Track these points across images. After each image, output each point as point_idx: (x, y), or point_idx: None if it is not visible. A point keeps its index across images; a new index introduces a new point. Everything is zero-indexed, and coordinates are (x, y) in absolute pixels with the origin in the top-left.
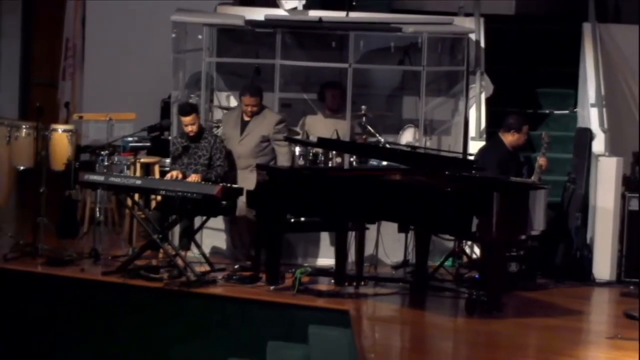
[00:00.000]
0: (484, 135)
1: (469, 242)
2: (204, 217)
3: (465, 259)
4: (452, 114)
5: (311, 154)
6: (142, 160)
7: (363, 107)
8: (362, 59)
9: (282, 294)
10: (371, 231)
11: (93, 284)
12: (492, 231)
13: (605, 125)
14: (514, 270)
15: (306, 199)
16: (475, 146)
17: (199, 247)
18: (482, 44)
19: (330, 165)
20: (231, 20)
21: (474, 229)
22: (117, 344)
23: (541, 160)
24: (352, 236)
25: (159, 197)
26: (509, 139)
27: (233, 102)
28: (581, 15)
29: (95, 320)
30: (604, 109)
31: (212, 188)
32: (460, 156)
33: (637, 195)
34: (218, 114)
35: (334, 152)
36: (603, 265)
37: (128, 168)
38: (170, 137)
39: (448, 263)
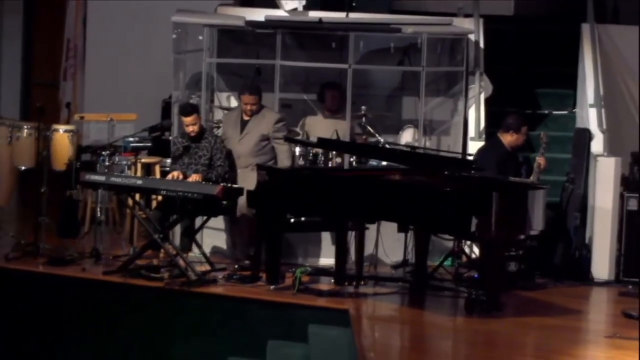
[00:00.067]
0: (483, 136)
1: (468, 242)
2: (205, 217)
3: (464, 258)
4: (452, 114)
5: (311, 154)
6: (143, 160)
7: (363, 107)
8: (361, 60)
9: (283, 294)
10: (371, 231)
11: (94, 284)
12: (491, 231)
13: (604, 126)
14: (513, 270)
15: (306, 199)
16: (474, 146)
17: (199, 246)
18: (482, 45)
19: (330, 165)
20: (232, 21)
21: (473, 228)
22: (118, 343)
23: (540, 160)
24: (352, 236)
25: (159, 197)
26: (507, 139)
27: (233, 103)
28: (580, 16)
29: (96, 320)
30: (603, 110)
31: (212, 188)
32: (460, 156)
33: (636, 195)
34: (218, 115)
35: (333, 152)
36: (602, 264)
37: (129, 168)
38: (171, 137)
39: (447, 263)
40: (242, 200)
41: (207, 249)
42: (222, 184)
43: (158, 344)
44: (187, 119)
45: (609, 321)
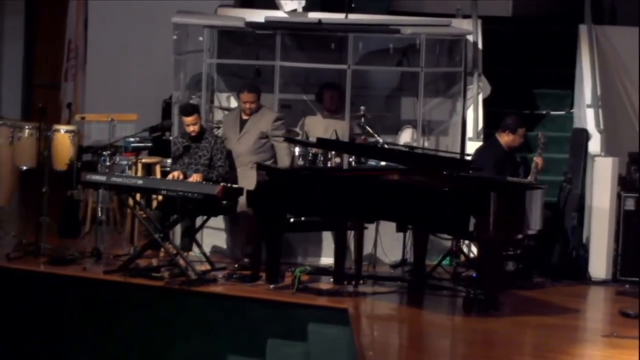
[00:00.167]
0: (481, 136)
1: (467, 242)
2: (205, 217)
3: (462, 258)
4: (450, 115)
5: (310, 154)
6: (143, 160)
7: (362, 107)
8: (361, 61)
9: (282, 293)
10: (370, 230)
11: (95, 283)
12: (489, 230)
13: (601, 126)
14: (511, 269)
15: (305, 199)
16: (472, 146)
17: (199, 246)
18: (480, 46)
19: (329, 165)
20: (232, 22)
21: (471, 228)
22: (118, 342)
23: (537, 161)
24: (351, 235)
25: (160, 197)
26: (504, 139)
27: (233, 103)
28: (577, 17)
29: (97, 319)
30: (600, 110)
31: (212, 188)
32: (458, 156)
33: (633, 195)
34: (218, 115)
35: (333, 152)
36: (599, 264)
37: (130, 168)
38: (171, 138)
39: (446, 262)
40: (242, 197)
41: (207, 249)
42: (222, 184)
43: (158, 342)
44: (188, 119)
45: (606, 320)
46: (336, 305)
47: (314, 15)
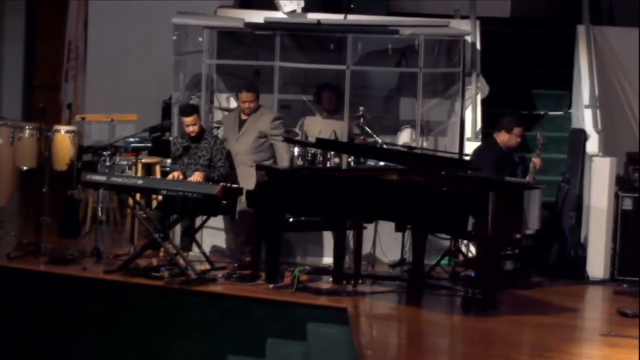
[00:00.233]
0: (480, 136)
1: (465, 241)
2: (205, 217)
3: (461, 257)
4: (448, 115)
5: (310, 155)
6: (143, 160)
7: (361, 108)
8: (359, 61)
9: (281, 292)
10: (369, 230)
11: (95, 282)
12: (488, 230)
13: (599, 126)
14: (509, 269)
15: (305, 199)
16: (471, 147)
17: (199, 245)
18: (478, 46)
19: (328, 165)
20: (231, 23)
21: (469, 228)
22: (118, 341)
23: (536, 161)
24: (350, 235)
25: (160, 197)
26: (501, 138)
27: (233, 104)
28: (575, 18)
29: (97, 318)
30: (598, 110)
31: (212, 188)
32: (456, 156)
33: (630, 194)
34: (218, 115)
35: (332, 152)
36: (597, 263)
37: (129, 168)
38: (171, 138)
39: (444, 261)
40: (242, 196)
41: (206, 248)
42: (221, 184)
43: (158, 342)
44: (187, 119)
45: (604, 319)
46: (335, 304)
47: (313, 16)
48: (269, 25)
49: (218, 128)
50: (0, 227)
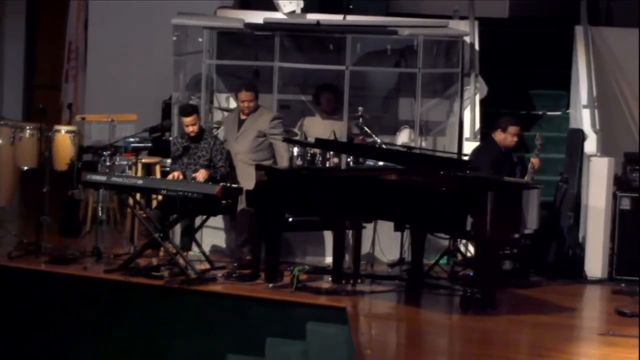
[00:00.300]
0: (478, 136)
1: (464, 241)
2: (204, 216)
3: (459, 257)
4: (447, 115)
5: (309, 155)
6: (143, 160)
7: (360, 108)
8: (359, 62)
9: (281, 292)
10: (368, 230)
11: (95, 282)
12: (487, 230)
13: (597, 126)
14: (508, 268)
15: (304, 199)
16: (469, 147)
17: (199, 245)
18: (477, 47)
19: (327, 165)
20: (231, 24)
21: (468, 227)
22: (118, 341)
23: (534, 161)
24: (349, 235)
25: (160, 197)
26: (498, 138)
27: (232, 104)
28: (574, 18)
29: (97, 317)
30: (596, 110)
31: (212, 188)
32: (455, 156)
33: (628, 194)
34: (218, 115)
35: (331, 152)
36: (595, 263)
37: (130, 168)
38: (171, 138)
39: (443, 261)
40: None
41: (206, 248)
42: (221, 184)
43: (158, 341)
44: (187, 120)
45: (602, 319)
46: (334, 304)
47: (312, 17)
48: (268, 25)
49: (218, 128)
50: (0, 226)
